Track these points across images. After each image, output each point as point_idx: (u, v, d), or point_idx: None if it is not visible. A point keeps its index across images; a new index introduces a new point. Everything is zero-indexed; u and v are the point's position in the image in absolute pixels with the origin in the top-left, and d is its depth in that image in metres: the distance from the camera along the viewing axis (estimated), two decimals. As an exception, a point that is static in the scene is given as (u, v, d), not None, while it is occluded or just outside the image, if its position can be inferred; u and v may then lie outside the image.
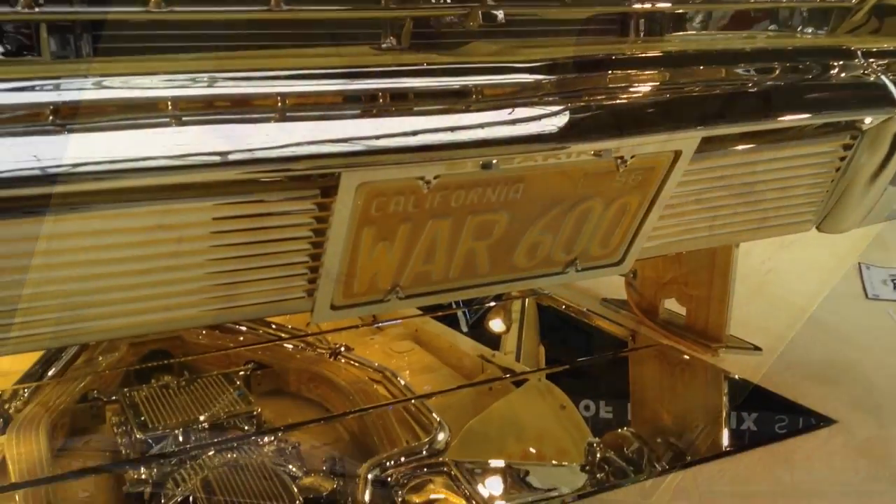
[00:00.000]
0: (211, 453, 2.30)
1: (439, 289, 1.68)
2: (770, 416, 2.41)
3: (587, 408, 2.86)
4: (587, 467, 2.33)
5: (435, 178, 1.46)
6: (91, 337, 1.52)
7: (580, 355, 2.90)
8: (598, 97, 1.47)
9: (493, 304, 3.28)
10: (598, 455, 2.34)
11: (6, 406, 2.48)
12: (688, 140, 1.63)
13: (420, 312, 3.59)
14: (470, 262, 1.69)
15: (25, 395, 2.59)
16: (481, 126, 1.35)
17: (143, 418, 2.42)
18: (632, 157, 1.60)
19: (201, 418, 2.41)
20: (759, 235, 2.08)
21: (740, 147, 1.82)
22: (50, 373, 2.77)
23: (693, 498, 1.90)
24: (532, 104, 1.40)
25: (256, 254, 1.53)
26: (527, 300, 3.23)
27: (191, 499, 2.10)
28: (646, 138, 1.55)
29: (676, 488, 1.99)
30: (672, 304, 2.86)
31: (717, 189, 1.87)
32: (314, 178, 1.45)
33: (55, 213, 1.28)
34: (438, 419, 2.58)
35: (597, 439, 2.36)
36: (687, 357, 2.73)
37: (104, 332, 1.49)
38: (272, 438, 2.47)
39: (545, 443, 2.86)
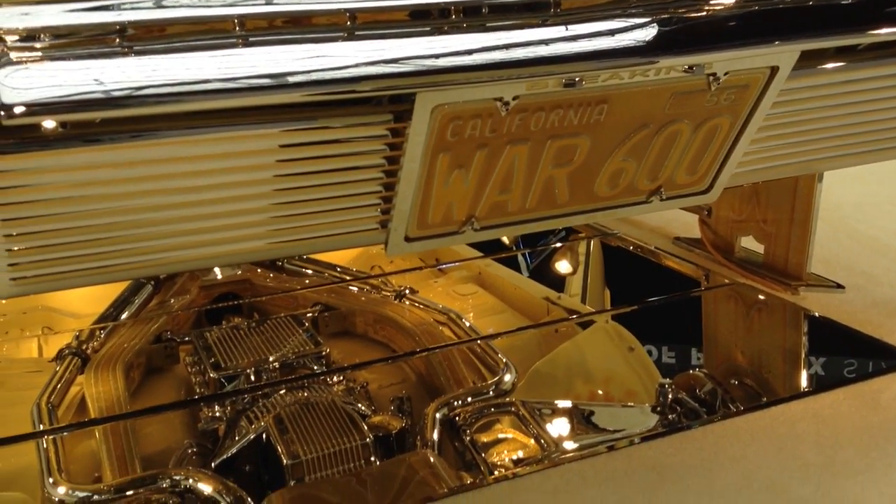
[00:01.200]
0: (282, 392, 2.32)
1: (515, 220, 1.62)
2: (854, 355, 2.31)
3: (653, 352, 2.79)
4: (658, 408, 2.26)
5: (514, 98, 1.39)
6: (159, 269, 1.50)
7: (649, 297, 2.81)
8: (691, 7, 1.37)
9: (558, 245, 3.20)
10: (670, 396, 2.27)
11: (84, 346, 2.52)
12: (787, 54, 1.52)
13: (482, 255, 3.56)
14: (548, 191, 1.61)
15: (101, 336, 2.64)
16: (563, 40, 1.27)
17: (214, 359, 2.45)
18: (725, 73, 1.49)
19: (271, 358, 2.42)
20: (853, 162, 1.95)
21: (840, 63, 1.70)
22: (123, 315, 2.82)
23: (773, 439, 1.82)
24: (618, 16, 1.31)
25: (326, 183, 1.48)
26: (592, 241, 3.15)
27: (263, 436, 2.11)
28: (741, 52, 1.44)
29: (754, 429, 1.91)
30: (749, 243, 2.74)
31: (813, 110, 1.75)
32: (386, 102, 1.39)
33: (119, 140, 1.25)
34: (505, 360, 2.54)
35: (668, 380, 2.29)
36: (765, 296, 2.63)
37: (171, 264, 1.47)
38: (341, 378, 2.47)
39: (613, 385, 2.81)
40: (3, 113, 1.08)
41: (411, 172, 1.46)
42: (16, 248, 1.27)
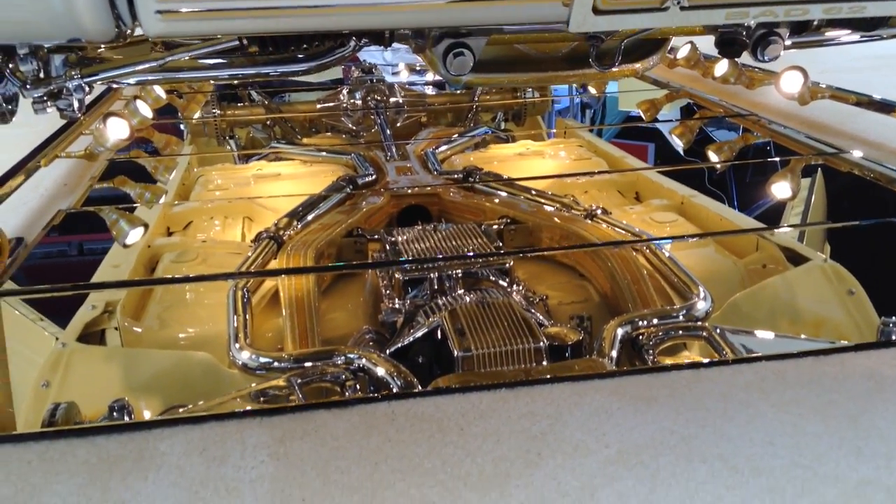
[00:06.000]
0: (461, 292, 2.29)
1: (734, 0, 1.26)
2: None
3: (879, 295, 2.44)
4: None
5: None
6: (324, 22, 1.31)
7: (882, 231, 2.45)
8: None
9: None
10: (894, 338, 1.97)
11: (280, 233, 2.63)
12: None
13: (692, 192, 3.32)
14: None
15: (297, 226, 2.74)
16: None
17: (401, 257, 2.47)
18: None
19: (455, 263, 2.40)
20: None
21: None
22: (317, 212, 2.92)
23: None
24: None
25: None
26: (816, 162, 2.78)
27: (438, 329, 2.09)
28: None
29: None
30: None
31: None
32: None
33: None
34: (702, 288, 2.34)
35: (894, 319, 1.98)
36: None
37: (339, 15, 1.30)
38: (521, 287, 2.40)
39: (825, 330, 2.51)
40: None
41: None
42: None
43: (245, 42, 1.34)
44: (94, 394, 1.94)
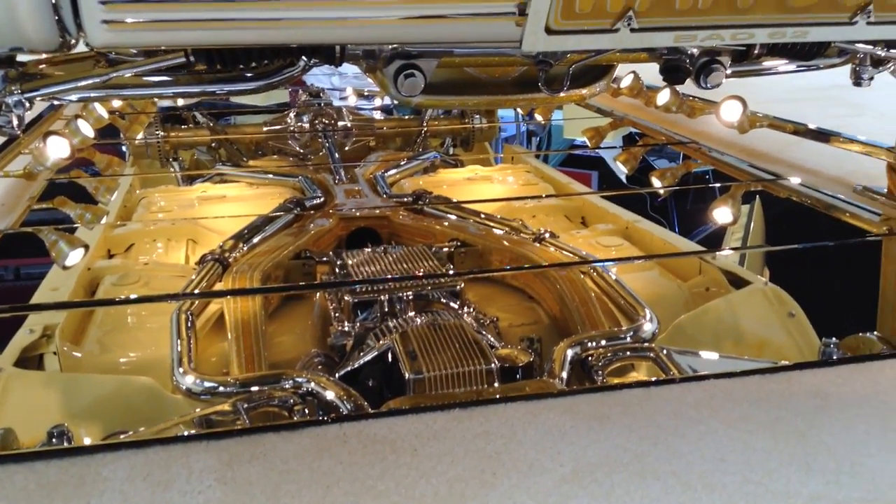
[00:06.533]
0: (411, 314, 2.27)
1: (682, 23, 1.29)
2: None
3: (817, 317, 2.50)
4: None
5: None
6: (271, 35, 1.27)
7: (817, 255, 2.52)
8: None
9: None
10: (835, 357, 2.03)
11: (226, 255, 2.59)
12: None
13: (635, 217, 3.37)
14: None
15: (243, 248, 2.70)
16: None
17: (350, 279, 2.45)
18: None
19: (406, 285, 2.39)
20: None
21: None
22: (263, 234, 2.88)
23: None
24: None
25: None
26: (756, 200, 2.87)
27: (389, 352, 2.07)
28: None
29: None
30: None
31: None
32: None
33: None
34: (648, 310, 2.38)
35: (834, 339, 2.04)
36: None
37: (288, 29, 1.22)
38: (471, 309, 2.40)
39: (767, 352, 2.57)
40: None
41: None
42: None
43: (192, 59, 1.32)
44: (32, 420, 1.87)
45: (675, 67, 1.48)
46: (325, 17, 1.16)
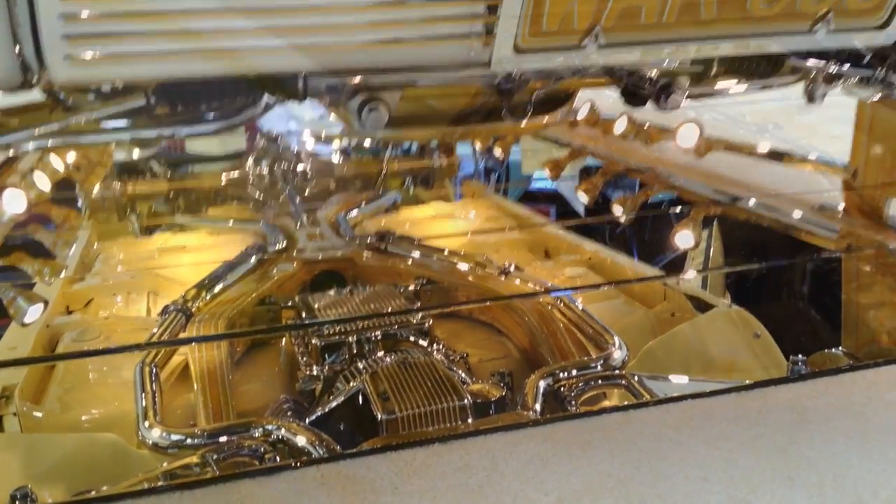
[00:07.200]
0: (380, 354, 2.25)
1: (649, 38, 1.31)
2: None
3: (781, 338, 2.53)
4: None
5: None
6: (233, 65, 1.24)
7: (778, 274, 2.56)
8: None
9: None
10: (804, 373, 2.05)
11: (188, 305, 2.54)
12: None
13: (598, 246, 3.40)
14: (691, 1, 1.30)
15: (206, 297, 2.65)
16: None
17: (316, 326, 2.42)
18: None
19: (373, 324, 2.37)
20: None
21: None
22: (226, 282, 2.84)
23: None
24: None
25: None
26: (714, 224, 2.92)
27: (360, 394, 2.04)
28: None
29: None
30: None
31: None
32: None
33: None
34: (616, 338, 2.38)
35: (801, 357, 2.06)
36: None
37: (251, 58, 1.22)
38: (441, 347, 2.38)
39: (736, 371, 2.59)
40: None
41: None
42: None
43: (152, 101, 1.30)
44: (-8, 483, 1.79)
45: (634, 91, 1.50)
46: (288, 44, 1.16)
